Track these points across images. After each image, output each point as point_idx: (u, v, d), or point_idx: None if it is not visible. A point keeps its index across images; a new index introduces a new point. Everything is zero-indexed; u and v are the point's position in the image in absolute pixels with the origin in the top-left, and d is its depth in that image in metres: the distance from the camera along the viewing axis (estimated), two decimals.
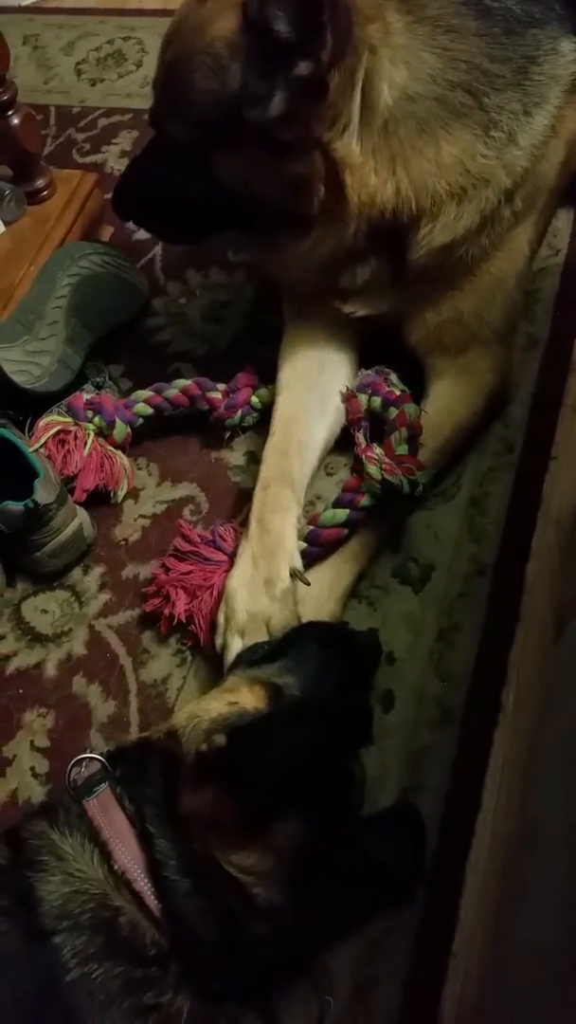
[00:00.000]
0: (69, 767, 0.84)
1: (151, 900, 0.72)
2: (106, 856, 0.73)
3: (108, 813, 0.76)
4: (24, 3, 2.04)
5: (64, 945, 0.69)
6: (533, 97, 1.01)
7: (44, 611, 1.12)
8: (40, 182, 1.39)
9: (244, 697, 0.80)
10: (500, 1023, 0.59)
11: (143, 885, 0.72)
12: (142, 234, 1.50)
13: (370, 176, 0.95)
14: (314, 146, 0.93)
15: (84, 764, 0.84)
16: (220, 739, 0.72)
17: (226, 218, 1.06)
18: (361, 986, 0.83)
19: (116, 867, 0.73)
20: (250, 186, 0.98)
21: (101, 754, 0.83)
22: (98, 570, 1.14)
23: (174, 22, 0.97)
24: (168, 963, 0.71)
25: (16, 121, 1.32)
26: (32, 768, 1.00)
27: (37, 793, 0.98)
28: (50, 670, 1.07)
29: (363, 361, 1.18)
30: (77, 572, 1.14)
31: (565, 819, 0.60)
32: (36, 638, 1.10)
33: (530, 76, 1.00)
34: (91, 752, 0.86)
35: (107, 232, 1.50)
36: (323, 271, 1.07)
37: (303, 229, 1.00)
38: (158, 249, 1.47)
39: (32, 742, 1.02)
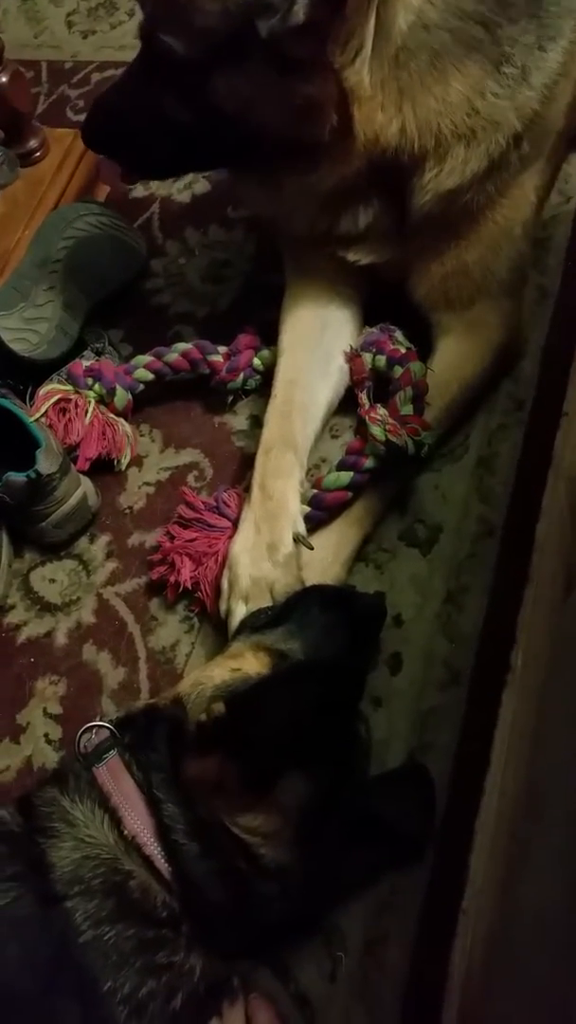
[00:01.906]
0: (78, 735, 0.85)
1: (161, 863, 0.73)
2: (116, 822, 0.75)
3: (117, 779, 0.77)
4: None
5: (76, 909, 0.70)
6: (548, 30, 0.94)
7: (52, 580, 1.12)
8: (32, 143, 1.36)
9: (248, 663, 0.81)
10: (505, 986, 0.60)
11: (153, 849, 0.73)
12: (139, 193, 1.47)
13: (377, 112, 0.90)
14: (327, 68, 0.86)
15: (94, 731, 0.85)
16: (219, 707, 0.73)
17: (215, 149, 0.99)
18: (372, 942, 0.84)
19: (126, 832, 0.74)
20: (252, 111, 0.91)
21: (110, 721, 0.84)
22: (104, 539, 1.14)
23: None
24: (179, 924, 0.73)
25: (4, 80, 1.28)
26: (46, 735, 1.01)
27: (51, 759, 0.99)
28: (60, 639, 1.08)
29: (368, 319, 1.15)
30: (83, 541, 1.14)
31: (569, 784, 0.60)
32: (45, 607, 1.11)
33: (544, 7, 0.93)
34: (102, 718, 0.87)
35: (103, 192, 1.46)
36: (322, 211, 1.02)
37: (306, 162, 0.95)
38: (156, 208, 1.44)
39: (45, 709, 1.03)
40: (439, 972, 0.79)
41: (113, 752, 0.80)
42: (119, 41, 1.72)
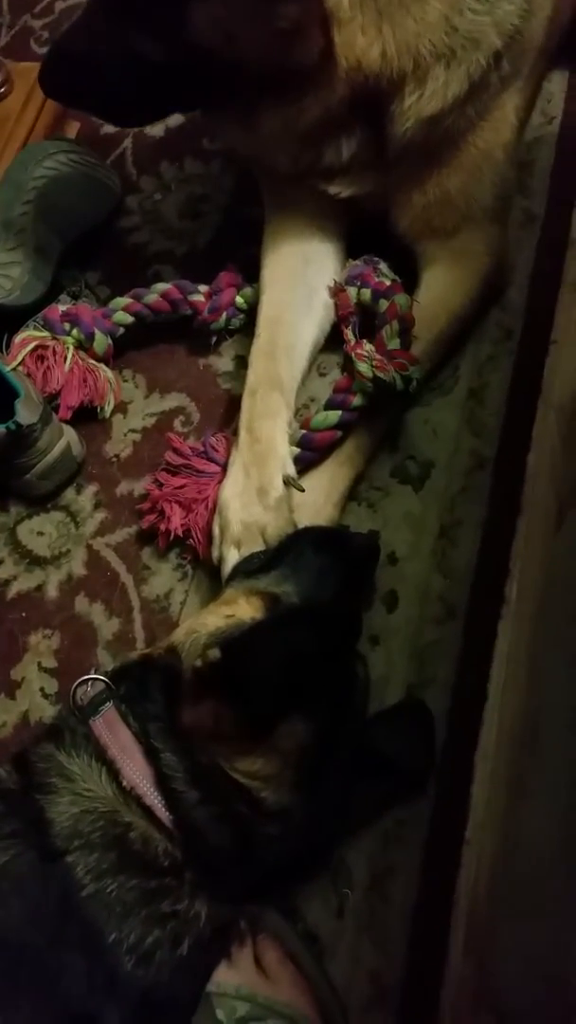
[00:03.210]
0: (73, 689, 0.84)
1: (162, 812, 0.73)
2: (114, 773, 0.74)
3: (114, 731, 0.77)
4: None
5: (77, 863, 0.70)
6: None
7: (40, 533, 1.11)
8: None
9: (241, 609, 0.80)
10: (508, 914, 0.61)
11: (153, 799, 0.73)
12: (111, 128, 1.41)
13: (357, 35, 0.85)
14: None
15: (89, 685, 0.84)
16: (214, 653, 0.72)
17: (193, 88, 0.94)
18: (378, 876, 0.85)
19: (125, 783, 0.73)
20: (234, 40, 0.85)
21: (104, 673, 0.83)
22: (91, 489, 1.12)
23: None
24: (182, 872, 0.73)
25: None
26: (42, 689, 1.01)
27: (48, 713, 0.99)
28: (51, 592, 1.07)
29: (351, 251, 1.11)
30: (70, 492, 1.12)
31: (564, 712, 0.59)
32: (35, 561, 1.09)
33: None
34: (98, 670, 0.86)
35: (73, 128, 1.40)
36: (304, 145, 0.98)
37: (288, 94, 0.90)
38: (128, 142, 1.39)
39: (40, 663, 1.02)
40: (445, 903, 0.80)
41: (109, 704, 0.79)
42: None
